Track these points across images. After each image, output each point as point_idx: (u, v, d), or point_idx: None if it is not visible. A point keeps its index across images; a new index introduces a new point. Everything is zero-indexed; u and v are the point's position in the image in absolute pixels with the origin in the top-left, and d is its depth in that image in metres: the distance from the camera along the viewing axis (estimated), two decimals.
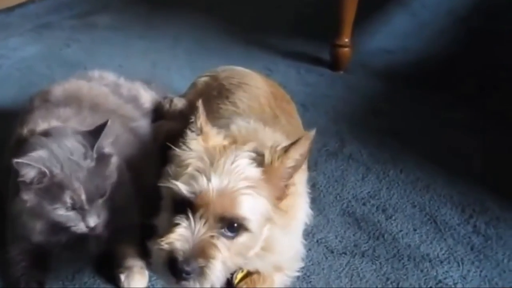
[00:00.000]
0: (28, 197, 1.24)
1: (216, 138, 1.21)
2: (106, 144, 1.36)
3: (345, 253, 1.48)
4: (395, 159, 1.83)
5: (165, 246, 1.09)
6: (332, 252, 1.48)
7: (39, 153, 1.25)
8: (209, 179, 1.10)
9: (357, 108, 2.16)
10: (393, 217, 1.59)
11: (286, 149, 1.14)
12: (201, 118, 1.21)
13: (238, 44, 2.77)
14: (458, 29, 2.65)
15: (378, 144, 1.91)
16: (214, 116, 1.54)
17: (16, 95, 2.22)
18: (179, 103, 1.88)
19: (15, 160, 1.19)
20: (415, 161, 1.82)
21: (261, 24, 3.00)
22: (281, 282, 1.34)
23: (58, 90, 1.66)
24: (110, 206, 1.33)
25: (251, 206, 1.13)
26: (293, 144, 1.15)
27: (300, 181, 1.32)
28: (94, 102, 1.65)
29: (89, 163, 1.28)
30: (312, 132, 1.17)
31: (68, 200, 1.24)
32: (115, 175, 1.35)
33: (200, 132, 1.20)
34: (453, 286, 1.39)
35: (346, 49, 2.39)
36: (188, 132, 1.22)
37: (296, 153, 1.16)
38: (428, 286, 1.39)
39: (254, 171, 1.14)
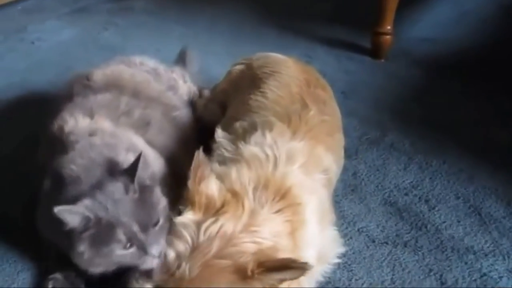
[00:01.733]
0: (84, 248, 1.18)
1: (210, 199, 1.17)
2: (146, 176, 1.30)
3: (387, 243, 1.46)
4: (437, 150, 1.80)
5: None
6: (374, 241, 1.46)
7: (84, 202, 1.17)
8: (183, 269, 1.10)
9: (398, 96, 2.13)
10: (436, 208, 1.56)
11: (270, 269, 1.08)
12: (198, 173, 1.17)
13: (276, 30, 2.74)
14: (501, 18, 2.59)
15: (420, 134, 1.87)
16: (244, 108, 1.54)
17: (53, 78, 2.23)
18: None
19: (56, 208, 1.13)
20: (458, 152, 1.79)
21: (300, 10, 2.96)
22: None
23: (98, 75, 1.65)
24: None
25: None
26: (280, 266, 1.07)
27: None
28: (136, 89, 1.64)
29: (133, 196, 1.22)
30: (309, 265, 1.08)
31: (122, 237, 1.17)
32: (164, 199, 1.29)
33: (191, 205, 1.18)
34: (498, 280, 1.36)
35: (388, 36, 2.34)
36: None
37: (282, 276, 1.09)
38: (473, 279, 1.36)
39: (229, 277, 1.10)
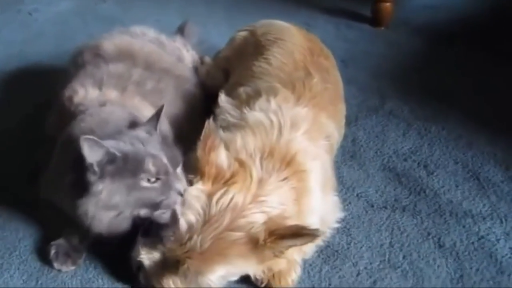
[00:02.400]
0: (103, 186, 1.14)
1: (220, 169, 1.19)
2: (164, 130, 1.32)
3: (386, 208, 1.47)
4: (437, 116, 1.80)
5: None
6: (372, 206, 1.48)
7: (107, 142, 1.14)
8: (195, 241, 1.12)
9: (398, 65, 2.12)
10: (435, 173, 1.57)
11: (281, 237, 1.11)
12: (208, 143, 1.18)
13: None
14: None
15: (419, 101, 1.88)
16: (248, 74, 1.54)
17: (52, 50, 2.23)
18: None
19: (84, 136, 1.09)
20: (458, 118, 1.79)
21: None
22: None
23: (109, 45, 1.63)
24: None
25: (223, 274, 1.16)
26: (291, 233, 1.11)
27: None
28: (148, 60, 1.64)
29: (157, 138, 1.22)
30: (320, 232, 1.13)
31: (151, 167, 1.14)
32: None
33: (201, 175, 1.19)
34: (495, 243, 1.38)
35: (388, 4, 2.33)
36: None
37: (292, 243, 1.13)
38: (470, 242, 1.38)
39: (241, 248, 1.13)
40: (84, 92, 1.43)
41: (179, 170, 1.23)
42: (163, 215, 1.19)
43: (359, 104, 1.88)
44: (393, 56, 2.18)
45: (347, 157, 1.64)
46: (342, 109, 1.57)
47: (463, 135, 1.71)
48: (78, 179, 1.16)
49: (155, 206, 1.18)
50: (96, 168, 1.12)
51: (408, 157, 1.63)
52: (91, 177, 1.13)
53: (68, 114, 1.37)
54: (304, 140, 1.30)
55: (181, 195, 1.18)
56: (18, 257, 1.35)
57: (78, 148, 1.13)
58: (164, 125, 1.42)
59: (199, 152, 1.18)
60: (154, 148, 1.18)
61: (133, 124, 1.27)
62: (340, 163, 1.61)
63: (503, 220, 1.43)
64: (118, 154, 1.13)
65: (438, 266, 1.32)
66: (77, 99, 1.41)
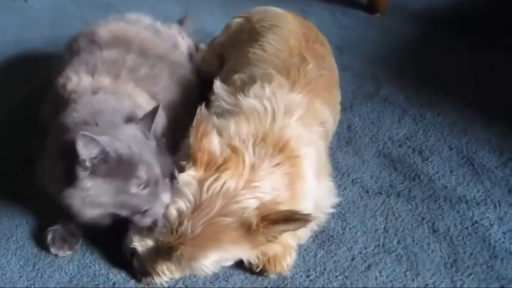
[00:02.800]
0: (92, 184, 1.13)
1: (212, 155, 1.19)
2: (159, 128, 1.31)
3: (380, 193, 1.49)
4: (432, 103, 1.81)
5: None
6: (367, 192, 1.49)
7: (102, 138, 1.12)
8: (186, 227, 1.13)
9: (393, 51, 2.12)
10: (430, 159, 1.58)
11: (273, 222, 1.12)
12: (200, 129, 1.18)
13: None
14: None
15: (415, 88, 1.88)
16: (243, 61, 1.54)
17: (48, 37, 2.22)
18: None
19: (82, 132, 1.08)
20: (453, 105, 1.80)
21: None
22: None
23: (104, 32, 1.63)
24: None
25: (217, 259, 1.18)
26: (284, 218, 1.12)
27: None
28: (143, 47, 1.63)
29: (152, 143, 1.21)
30: (312, 216, 1.14)
31: (143, 174, 1.14)
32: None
33: (193, 161, 1.19)
34: (489, 227, 1.39)
35: None
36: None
37: (285, 228, 1.14)
38: (464, 227, 1.39)
39: (233, 233, 1.14)
40: (77, 79, 1.42)
41: (168, 180, 1.22)
42: (143, 219, 1.19)
43: (355, 91, 1.88)
44: (389, 42, 2.18)
45: (343, 143, 1.65)
46: (337, 95, 1.57)
47: (458, 122, 1.72)
48: (68, 169, 1.15)
49: (139, 212, 1.19)
50: (88, 164, 1.11)
51: (403, 143, 1.64)
52: (81, 172, 1.13)
53: (62, 102, 1.37)
54: (298, 126, 1.30)
55: (165, 207, 1.18)
56: (15, 243, 1.36)
57: (70, 138, 1.14)
58: (159, 119, 1.41)
59: (192, 138, 1.18)
60: (149, 155, 1.18)
61: (129, 119, 1.26)
62: (336, 149, 1.62)
63: (497, 205, 1.45)
64: (112, 155, 1.12)
65: (432, 251, 1.34)
66: (70, 86, 1.41)
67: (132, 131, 1.20)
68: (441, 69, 2.01)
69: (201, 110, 1.20)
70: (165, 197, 1.18)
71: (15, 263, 1.32)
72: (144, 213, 1.18)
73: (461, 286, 1.26)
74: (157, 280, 1.23)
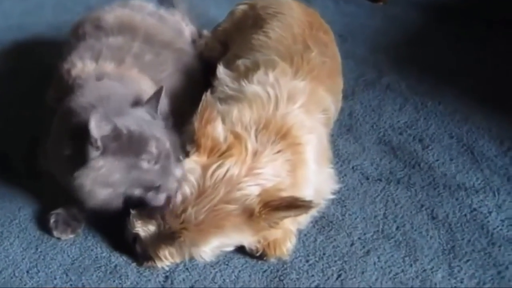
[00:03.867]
0: (103, 162, 1.12)
1: (216, 142, 1.20)
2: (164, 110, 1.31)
3: (380, 180, 1.49)
4: (433, 91, 1.81)
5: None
6: (368, 178, 1.50)
7: (113, 120, 1.12)
8: (190, 213, 1.14)
9: (396, 39, 2.12)
10: (430, 147, 1.59)
11: (276, 208, 1.13)
12: (205, 115, 1.19)
13: None
14: None
15: (416, 76, 1.88)
16: (247, 47, 1.54)
17: (51, 21, 2.22)
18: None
19: (94, 111, 1.08)
20: (454, 94, 1.80)
21: None
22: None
23: (110, 17, 1.62)
24: None
25: (218, 245, 1.20)
26: (286, 205, 1.13)
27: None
28: (149, 33, 1.63)
29: (160, 123, 1.22)
30: (314, 203, 1.16)
31: (154, 150, 1.14)
32: None
33: (197, 147, 1.20)
34: (487, 215, 1.40)
35: None
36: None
37: (287, 214, 1.16)
38: (463, 214, 1.40)
39: (235, 220, 1.15)
40: (82, 65, 1.42)
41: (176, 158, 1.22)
42: (156, 197, 1.18)
43: (356, 78, 1.88)
44: (391, 30, 2.18)
45: (344, 131, 1.66)
46: (339, 83, 1.58)
47: (459, 110, 1.72)
48: (77, 152, 1.15)
49: (152, 188, 1.17)
50: (99, 144, 1.10)
51: (404, 131, 1.65)
52: (93, 152, 1.11)
53: (67, 87, 1.37)
54: (301, 114, 1.30)
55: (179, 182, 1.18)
56: (17, 226, 1.38)
57: (80, 120, 1.15)
58: (163, 103, 1.41)
59: (196, 124, 1.19)
60: (158, 132, 1.18)
61: (136, 103, 1.26)
62: (336, 136, 1.62)
63: (496, 193, 1.46)
64: (124, 131, 1.12)
65: (431, 237, 1.35)
66: (75, 72, 1.41)
67: (140, 113, 1.21)
68: (443, 57, 2.01)
69: (207, 96, 1.21)
70: (178, 171, 1.17)
71: (18, 245, 1.33)
72: (157, 189, 1.17)
73: (459, 272, 1.27)
74: (159, 264, 1.25)
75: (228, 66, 1.50)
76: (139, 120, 1.18)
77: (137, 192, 1.18)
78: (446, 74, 1.90)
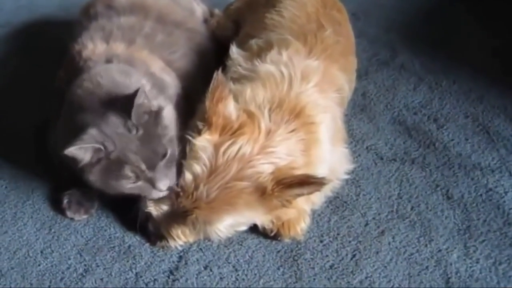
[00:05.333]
0: (95, 178, 1.19)
1: (227, 120, 1.19)
2: (156, 101, 1.28)
3: (395, 160, 1.48)
4: (448, 70, 1.79)
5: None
6: (382, 158, 1.49)
7: (90, 132, 1.14)
8: (201, 191, 1.14)
9: (410, 18, 2.09)
10: (445, 127, 1.57)
11: (288, 186, 1.12)
12: (217, 94, 1.18)
13: None
14: None
15: (431, 55, 1.86)
16: (259, 26, 1.52)
17: (60, 1, 2.21)
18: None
19: (67, 150, 1.12)
20: (468, 73, 1.78)
21: None
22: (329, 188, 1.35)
23: None
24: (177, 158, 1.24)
25: (231, 223, 1.19)
26: (298, 182, 1.12)
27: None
28: (161, 13, 1.61)
29: (135, 133, 1.17)
30: (327, 180, 1.15)
31: (130, 173, 1.16)
32: (172, 127, 1.25)
33: (208, 125, 1.19)
34: (503, 195, 1.39)
35: None
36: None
37: (300, 192, 1.15)
38: (478, 194, 1.39)
39: (248, 197, 1.14)
40: (92, 47, 1.41)
41: (165, 160, 1.20)
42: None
43: (370, 58, 1.86)
44: (405, 8, 2.14)
45: (357, 111, 1.64)
46: (353, 62, 1.56)
47: (474, 89, 1.70)
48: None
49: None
50: (87, 166, 1.17)
51: (418, 111, 1.63)
52: (85, 170, 1.18)
53: (77, 69, 1.36)
54: (315, 93, 1.29)
55: (166, 190, 1.20)
56: (31, 206, 1.38)
57: (81, 115, 1.18)
58: (172, 89, 1.41)
59: (207, 102, 1.18)
60: (132, 150, 1.17)
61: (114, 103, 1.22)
62: (350, 116, 1.61)
63: None
64: (102, 148, 1.14)
65: (446, 217, 1.34)
66: (85, 53, 1.40)
67: (116, 121, 1.17)
68: (458, 36, 1.98)
69: (218, 75, 1.19)
70: (161, 184, 1.19)
71: (31, 226, 1.33)
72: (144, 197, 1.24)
73: (474, 252, 1.26)
74: (172, 243, 1.25)
75: (241, 45, 1.48)
76: (114, 135, 1.16)
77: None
78: (461, 53, 1.87)
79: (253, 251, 1.27)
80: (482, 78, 1.75)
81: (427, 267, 1.23)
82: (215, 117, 1.18)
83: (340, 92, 1.40)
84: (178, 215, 1.19)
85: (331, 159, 1.29)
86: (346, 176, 1.38)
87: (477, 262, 1.25)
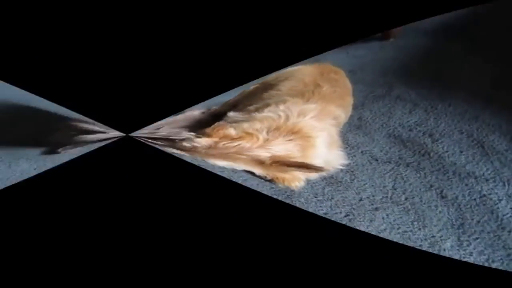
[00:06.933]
0: None
1: (227, 134, 1.28)
2: None
3: (389, 162, 1.48)
4: (443, 96, 1.83)
5: None
6: (377, 160, 1.49)
7: None
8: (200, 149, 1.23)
9: (405, 62, 2.17)
10: (440, 141, 1.59)
11: (286, 164, 1.21)
12: (216, 127, 1.30)
13: None
14: None
15: (426, 86, 1.91)
16: (257, 98, 1.62)
17: None
18: None
19: None
20: (464, 97, 1.81)
21: None
22: None
23: None
24: None
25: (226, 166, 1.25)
26: (296, 165, 1.22)
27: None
28: None
29: None
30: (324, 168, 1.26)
31: None
32: None
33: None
34: (497, 202, 1.36)
35: None
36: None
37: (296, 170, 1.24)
38: (472, 198, 1.37)
39: (246, 162, 1.23)
40: None
41: None
42: None
43: (367, 95, 1.90)
44: (401, 56, 2.23)
45: (353, 128, 1.66)
46: (349, 101, 1.64)
47: (469, 111, 1.73)
48: None
49: None
50: None
51: (414, 128, 1.65)
52: None
53: None
54: (312, 121, 1.37)
55: None
56: None
57: None
58: None
59: (208, 130, 1.27)
60: None
61: None
62: (345, 132, 1.62)
63: (506, 183, 1.43)
64: None
65: (440, 212, 1.31)
66: None
67: None
68: (453, 71, 2.03)
69: (219, 122, 1.32)
70: None
71: None
72: None
73: (468, 246, 1.23)
74: None
75: (237, 111, 1.56)
76: None
77: None
78: (456, 83, 1.92)
79: (246, 180, 1.27)
80: (477, 101, 1.78)
81: (420, 246, 1.19)
82: (215, 135, 1.27)
83: (337, 118, 1.47)
84: None
85: (326, 156, 1.31)
86: (341, 167, 1.38)
87: (471, 255, 1.21)
